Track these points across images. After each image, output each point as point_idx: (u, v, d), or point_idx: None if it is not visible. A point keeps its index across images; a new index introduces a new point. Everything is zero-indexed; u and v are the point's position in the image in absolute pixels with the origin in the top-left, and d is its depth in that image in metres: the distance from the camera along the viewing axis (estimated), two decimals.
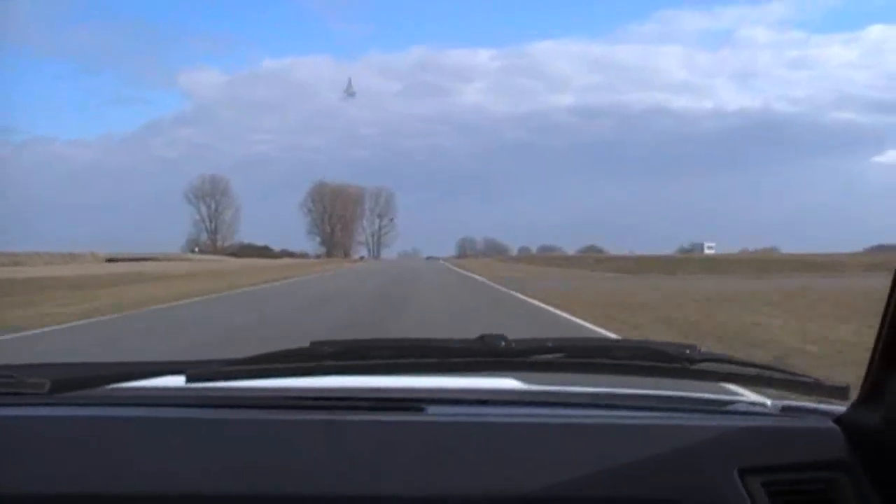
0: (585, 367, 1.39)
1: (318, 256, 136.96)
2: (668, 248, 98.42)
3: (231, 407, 1.41)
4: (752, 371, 1.43)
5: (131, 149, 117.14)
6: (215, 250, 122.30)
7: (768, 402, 1.50)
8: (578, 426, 1.35)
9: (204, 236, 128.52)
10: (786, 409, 1.46)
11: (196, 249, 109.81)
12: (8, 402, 1.38)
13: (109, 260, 78.99)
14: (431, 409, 1.39)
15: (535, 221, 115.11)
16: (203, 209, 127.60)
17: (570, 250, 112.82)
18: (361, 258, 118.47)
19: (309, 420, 1.35)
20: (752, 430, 1.36)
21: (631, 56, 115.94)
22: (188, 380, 1.35)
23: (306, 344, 1.38)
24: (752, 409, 1.48)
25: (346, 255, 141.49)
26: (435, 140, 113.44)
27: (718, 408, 1.49)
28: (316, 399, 1.42)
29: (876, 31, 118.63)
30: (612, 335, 11.97)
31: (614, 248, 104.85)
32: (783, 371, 1.45)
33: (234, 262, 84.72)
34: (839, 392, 1.37)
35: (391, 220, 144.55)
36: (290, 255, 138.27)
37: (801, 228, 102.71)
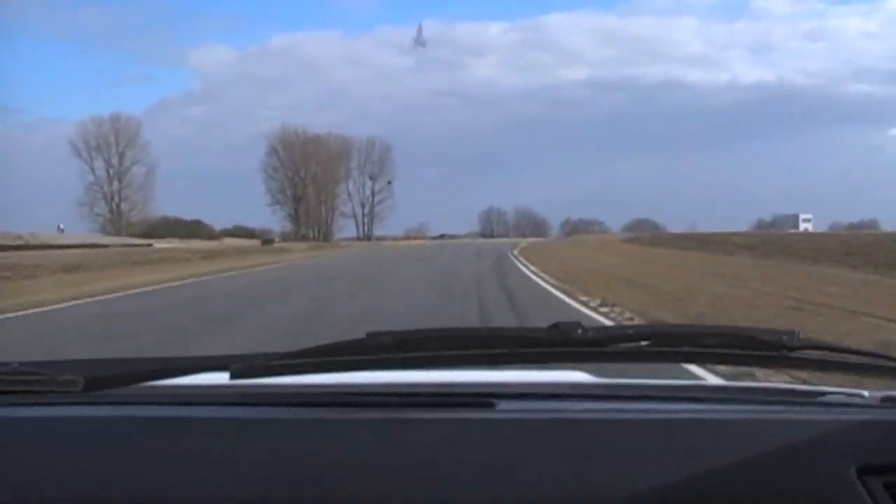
0: (672, 356, 1.27)
1: (280, 238, 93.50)
2: (736, 223, 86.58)
3: (280, 405, 1.28)
4: (857, 359, 1.30)
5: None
6: (117, 227, 79.79)
7: (865, 392, 1.33)
8: (664, 421, 1.22)
9: (101, 205, 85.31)
10: (887, 400, 1.30)
11: (61, 227, 67.92)
12: (41, 401, 1.28)
13: None
14: (502, 404, 1.24)
15: (566, 194, 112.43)
16: (101, 165, 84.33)
17: (615, 225, 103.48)
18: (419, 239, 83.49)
19: (366, 419, 1.21)
20: (860, 425, 1.21)
21: (644, 28, 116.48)
22: (232, 376, 1.22)
23: (362, 335, 1.24)
24: (851, 400, 1.32)
25: (325, 234, 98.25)
26: (447, 115, 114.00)
27: (814, 399, 1.34)
28: (373, 395, 1.29)
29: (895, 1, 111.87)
30: None
31: (670, 224, 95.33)
32: (890, 359, 1.31)
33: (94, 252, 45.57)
34: None
35: (388, 182, 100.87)
36: (248, 234, 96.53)
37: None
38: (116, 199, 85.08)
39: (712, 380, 1.51)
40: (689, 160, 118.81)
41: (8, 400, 1.29)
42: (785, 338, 1.23)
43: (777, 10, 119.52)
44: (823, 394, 1.34)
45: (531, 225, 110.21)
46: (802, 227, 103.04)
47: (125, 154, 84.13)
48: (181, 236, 78.24)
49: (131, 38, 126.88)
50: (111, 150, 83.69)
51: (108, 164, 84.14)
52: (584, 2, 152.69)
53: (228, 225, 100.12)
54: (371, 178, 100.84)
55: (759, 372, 3.49)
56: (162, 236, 75.17)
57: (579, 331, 1.20)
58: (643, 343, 1.25)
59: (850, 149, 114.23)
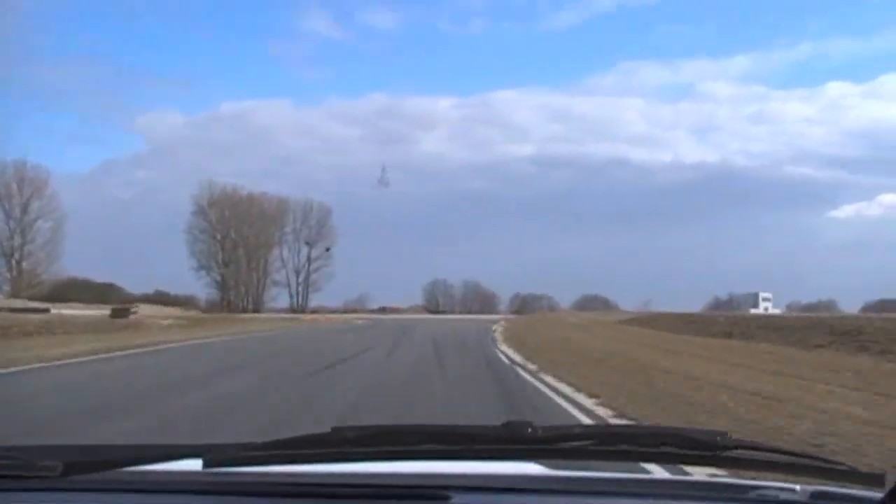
0: (613, 454, 1.37)
1: (203, 309, 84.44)
2: (690, 301, 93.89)
3: (252, 495, 1.37)
4: (785, 458, 1.41)
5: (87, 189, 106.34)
6: (16, 289, 69.86)
7: (797, 487, 1.44)
8: None
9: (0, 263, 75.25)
10: (816, 496, 1.42)
11: None
12: (19, 486, 1.33)
13: None
14: (457, 497, 1.35)
15: (514, 268, 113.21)
16: (0, 217, 74.68)
17: (565, 301, 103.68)
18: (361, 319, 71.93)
19: None
20: None
21: (591, 107, 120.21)
22: (205, 465, 1.32)
23: (327, 429, 1.37)
24: (781, 495, 1.42)
25: (255, 304, 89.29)
26: (394, 187, 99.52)
27: (747, 494, 1.43)
28: (338, 486, 1.38)
29: (834, 88, 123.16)
30: None
31: (622, 301, 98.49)
32: (817, 458, 1.43)
33: None
34: (875, 479, 1.35)
35: (327, 249, 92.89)
36: (168, 300, 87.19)
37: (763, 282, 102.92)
38: (17, 255, 74.88)
39: (658, 473, 1.61)
40: (637, 237, 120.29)
41: None
42: (718, 438, 1.33)
43: (720, 94, 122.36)
44: (759, 488, 1.41)
45: (479, 299, 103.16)
46: (762, 306, 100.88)
47: (30, 206, 74.36)
48: (89, 301, 68.85)
49: (76, 99, 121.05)
50: (13, 200, 73.84)
51: (9, 215, 74.14)
52: (533, 79, 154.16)
53: (149, 290, 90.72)
54: (308, 243, 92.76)
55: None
56: (68, 300, 65.82)
57: (529, 429, 1.31)
58: (587, 442, 1.34)
59: (794, 229, 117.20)
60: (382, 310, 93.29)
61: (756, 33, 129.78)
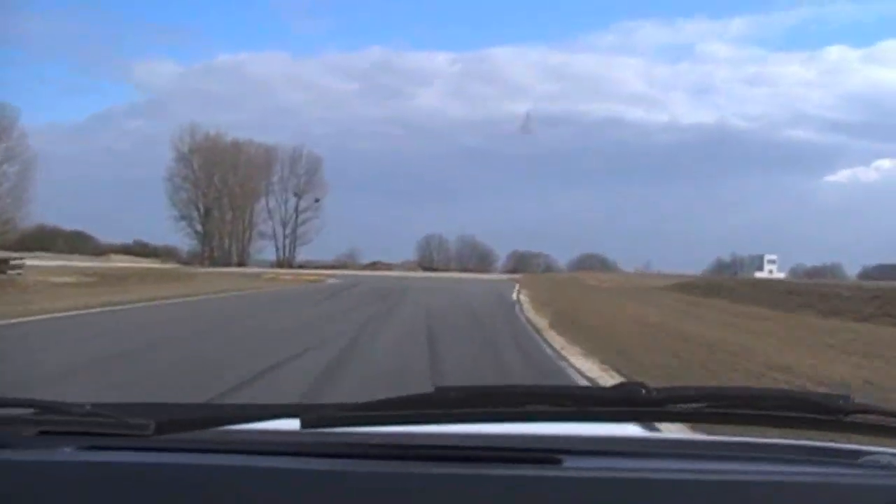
0: (730, 417, 1.34)
1: (183, 261, 79.84)
2: (691, 263, 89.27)
3: (351, 457, 1.30)
4: None
5: (80, 139, 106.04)
6: None
7: None
8: (730, 484, 1.26)
9: None
10: None
11: None
12: (111, 444, 1.32)
13: None
14: (569, 461, 1.28)
15: (510, 226, 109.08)
16: None
17: (562, 259, 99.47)
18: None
19: (437, 473, 1.25)
20: None
21: (589, 66, 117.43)
22: (303, 425, 1.29)
23: (430, 389, 1.33)
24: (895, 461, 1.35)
25: (241, 256, 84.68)
26: (389, 142, 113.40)
27: (859, 459, 1.37)
28: (443, 448, 1.32)
29: (834, 51, 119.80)
30: None
31: (621, 261, 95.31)
32: None
33: None
34: None
35: (316, 200, 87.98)
36: (147, 251, 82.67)
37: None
38: None
39: (773, 438, 1.50)
40: (634, 197, 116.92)
41: (80, 442, 1.31)
42: (841, 402, 1.27)
43: (719, 55, 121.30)
44: (874, 453, 1.36)
45: (475, 256, 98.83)
46: (767, 268, 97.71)
47: None
48: (61, 250, 64.33)
49: (74, 48, 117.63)
50: None
51: None
52: (531, 36, 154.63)
53: (128, 240, 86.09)
54: (296, 194, 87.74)
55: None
56: (40, 248, 61.21)
57: (643, 391, 1.27)
58: (702, 404, 1.31)
59: (790, 192, 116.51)
60: (373, 265, 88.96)
61: None
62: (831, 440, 1.44)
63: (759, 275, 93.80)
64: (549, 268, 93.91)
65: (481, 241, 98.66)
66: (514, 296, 31.38)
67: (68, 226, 78.87)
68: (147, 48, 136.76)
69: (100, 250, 76.10)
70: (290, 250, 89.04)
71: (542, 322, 18.11)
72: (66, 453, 1.28)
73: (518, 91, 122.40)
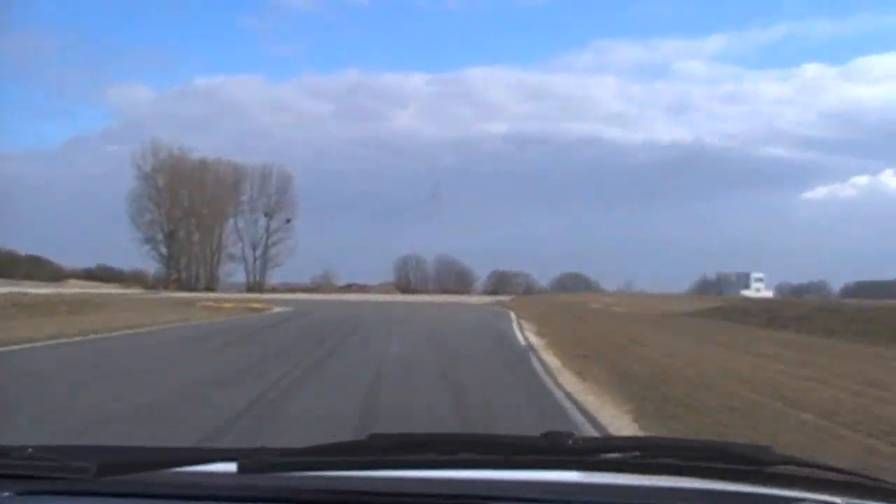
0: (655, 468, 1.37)
1: (149, 285, 75.96)
2: (674, 281, 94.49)
3: (288, 502, 1.33)
4: (831, 475, 1.38)
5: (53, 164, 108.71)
6: None
7: (839, 500, 1.37)
8: None
9: None
10: None
11: None
12: (50, 488, 1.32)
13: None
14: None
15: (490, 246, 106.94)
16: None
17: (544, 279, 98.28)
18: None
19: None
20: None
21: (565, 85, 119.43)
22: (240, 470, 1.32)
23: (363, 437, 1.39)
24: None
25: (210, 282, 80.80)
26: (366, 164, 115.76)
27: None
28: (377, 494, 1.33)
29: (811, 69, 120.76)
30: None
31: (603, 280, 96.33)
32: (864, 476, 1.42)
33: None
34: None
35: (288, 221, 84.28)
36: (111, 276, 78.99)
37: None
38: None
39: (697, 483, 1.44)
40: (613, 216, 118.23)
41: (18, 487, 1.30)
42: (763, 453, 1.33)
43: (695, 73, 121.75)
44: (800, 500, 1.35)
45: (453, 276, 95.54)
46: (754, 286, 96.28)
47: None
48: (14, 276, 60.24)
49: (46, 72, 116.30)
50: None
51: None
52: (506, 57, 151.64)
53: (95, 264, 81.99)
54: (266, 214, 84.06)
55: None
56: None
57: (570, 440, 1.32)
58: (629, 454, 1.35)
59: (767, 210, 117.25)
60: (348, 287, 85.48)
61: (732, 12, 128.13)
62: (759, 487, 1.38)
63: (745, 293, 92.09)
64: (529, 287, 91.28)
65: (460, 261, 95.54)
66: (518, 332, 22.05)
67: (38, 251, 75.90)
68: (122, 72, 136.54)
69: (58, 275, 72.06)
70: (260, 273, 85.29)
71: (613, 411, 8.64)
72: (4, 498, 1.27)
73: (494, 111, 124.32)
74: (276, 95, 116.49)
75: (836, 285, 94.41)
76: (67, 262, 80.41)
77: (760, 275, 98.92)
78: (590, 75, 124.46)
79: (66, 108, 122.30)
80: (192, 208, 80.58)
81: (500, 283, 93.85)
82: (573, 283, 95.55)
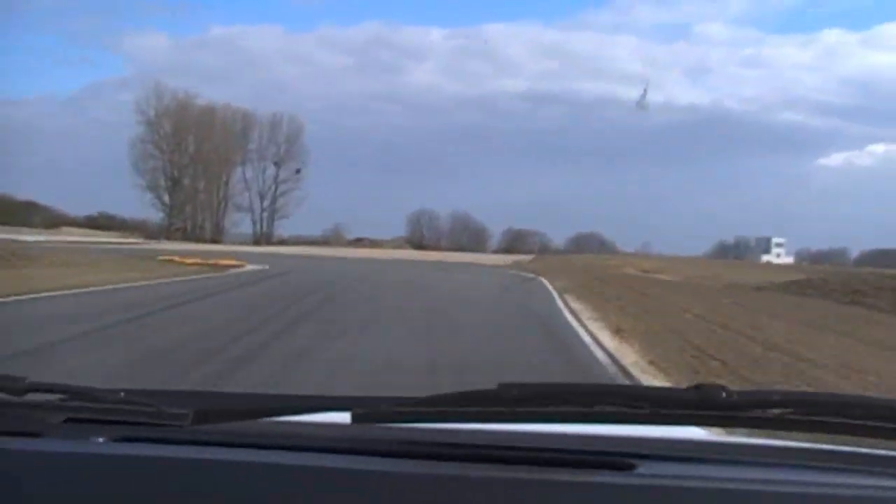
0: (818, 425, 1.23)
1: (150, 235, 73.22)
2: (692, 245, 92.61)
3: (406, 456, 1.19)
4: None
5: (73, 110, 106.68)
6: None
7: None
8: (815, 497, 1.14)
9: None
10: None
11: None
12: (144, 435, 1.23)
13: None
14: (645, 467, 1.18)
15: (504, 203, 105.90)
16: None
17: (558, 238, 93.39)
18: None
19: (498, 478, 1.13)
20: None
21: (584, 44, 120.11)
22: (354, 419, 1.21)
23: (493, 385, 1.23)
24: None
25: (215, 233, 77.99)
26: (383, 118, 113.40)
27: None
28: (506, 449, 1.21)
29: (832, 35, 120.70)
30: None
31: (619, 241, 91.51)
32: None
33: None
34: None
35: (298, 170, 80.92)
36: (113, 224, 76.45)
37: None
38: None
39: (863, 448, 1.27)
40: (630, 177, 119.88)
41: (110, 432, 1.23)
42: None
43: (716, 36, 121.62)
44: None
45: (468, 233, 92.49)
46: (774, 252, 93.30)
47: None
48: (10, 223, 57.62)
49: (65, 20, 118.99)
50: None
51: None
52: (526, 13, 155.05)
53: (94, 212, 79.34)
54: (275, 163, 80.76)
55: None
56: None
57: (723, 394, 1.18)
58: (787, 410, 1.21)
59: (784, 175, 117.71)
60: (358, 241, 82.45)
61: None
62: None
63: (766, 258, 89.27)
64: (544, 247, 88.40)
65: (475, 217, 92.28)
66: (574, 322, 14.36)
67: (47, 197, 74.35)
68: (140, 20, 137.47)
69: (57, 222, 69.49)
70: (268, 224, 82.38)
71: None
72: (96, 444, 1.20)
73: (513, 68, 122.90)
74: (294, 47, 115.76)
75: (855, 252, 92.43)
76: (75, 209, 78.40)
77: (782, 240, 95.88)
78: (610, 34, 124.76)
79: (84, 56, 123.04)
80: (198, 155, 77.48)
81: (514, 241, 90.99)
82: (588, 244, 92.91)
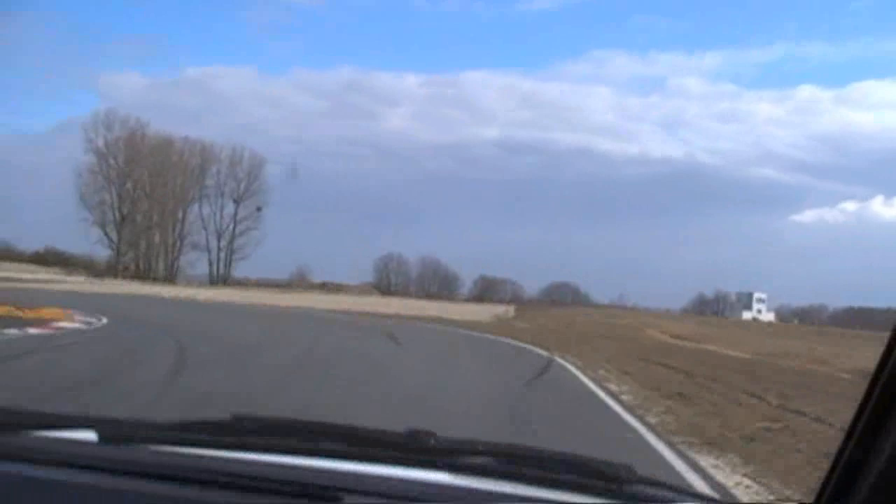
0: (514, 476, 1.36)
1: (94, 274, 68.07)
2: (670, 298, 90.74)
3: (145, 477, 1.28)
4: (687, 499, 1.40)
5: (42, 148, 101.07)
6: None
7: None
8: None
9: None
10: None
11: None
12: None
13: None
14: (349, 499, 1.28)
15: (476, 251, 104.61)
16: None
17: (531, 287, 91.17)
18: None
19: (217, 501, 1.26)
20: None
21: (560, 94, 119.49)
22: (101, 439, 1.30)
23: (227, 416, 1.38)
24: None
25: (169, 273, 72.95)
26: (355, 163, 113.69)
27: None
28: (232, 475, 1.31)
29: (805, 91, 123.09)
30: None
31: (593, 291, 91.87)
32: (717, 501, 1.46)
33: None
34: None
35: (258, 208, 76.37)
36: (59, 260, 71.44)
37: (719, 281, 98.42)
38: None
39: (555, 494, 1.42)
40: (605, 228, 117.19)
41: None
42: (622, 471, 1.32)
43: (691, 89, 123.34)
44: None
45: (437, 279, 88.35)
46: (756, 308, 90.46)
47: None
48: None
49: (39, 56, 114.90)
50: None
51: None
52: (503, 62, 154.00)
53: (40, 247, 73.99)
54: (235, 200, 76.12)
55: None
56: None
57: (432, 440, 1.33)
58: (489, 459, 1.35)
59: (756, 231, 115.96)
60: (323, 286, 77.86)
61: (730, 31, 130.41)
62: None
63: (747, 315, 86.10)
64: (516, 296, 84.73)
65: (445, 264, 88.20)
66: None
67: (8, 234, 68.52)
68: (115, 60, 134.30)
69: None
70: (225, 265, 77.36)
71: None
72: None
73: (487, 116, 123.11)
74: (268, 89, 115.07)
75: (831, 308, 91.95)
76: (32, 244, 73.21)
77: (763, 295, 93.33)
78: (586, 85, 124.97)
79: (57, 94, 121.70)
80: (151, 189, 72.57)
81: (486, 290, 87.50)
82: (562, 294, 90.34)
